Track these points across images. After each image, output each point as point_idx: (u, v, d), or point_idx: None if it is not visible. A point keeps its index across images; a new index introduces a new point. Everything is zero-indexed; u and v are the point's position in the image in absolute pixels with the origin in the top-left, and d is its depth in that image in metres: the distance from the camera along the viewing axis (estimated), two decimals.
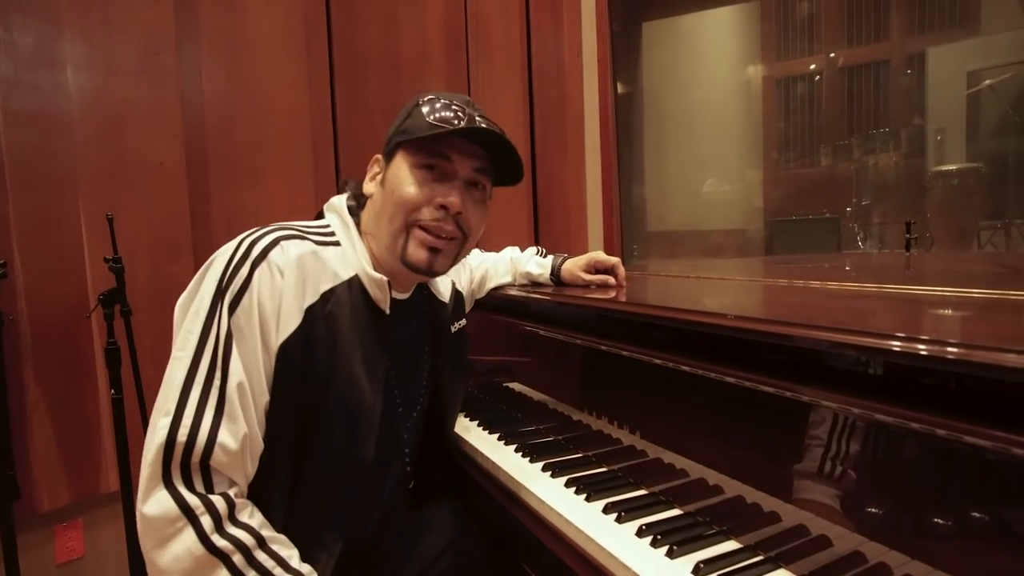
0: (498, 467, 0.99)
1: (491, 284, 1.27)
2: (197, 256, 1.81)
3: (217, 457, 0.70)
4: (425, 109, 0.84)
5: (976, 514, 0.52)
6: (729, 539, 0.73)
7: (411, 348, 0.97)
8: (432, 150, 0.84)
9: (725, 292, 1.22)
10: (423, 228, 0.85)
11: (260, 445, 0.76)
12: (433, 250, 0.85)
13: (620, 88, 3.58)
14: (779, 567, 0.67)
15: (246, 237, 0.79)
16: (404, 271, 0.88)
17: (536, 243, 2.85)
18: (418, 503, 1.07)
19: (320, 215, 0.94)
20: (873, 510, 0.61)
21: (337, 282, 0.83)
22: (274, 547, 0.73)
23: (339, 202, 0.91)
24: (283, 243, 0.79)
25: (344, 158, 2.15)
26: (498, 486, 0.98)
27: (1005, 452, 0.49)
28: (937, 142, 3.81)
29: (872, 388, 0.60)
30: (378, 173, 0.90)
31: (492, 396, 1.39)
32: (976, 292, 0.94)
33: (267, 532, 0.73)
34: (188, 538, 0.67)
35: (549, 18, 2.81)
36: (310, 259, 0.81)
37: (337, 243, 0.86)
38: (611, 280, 1.19)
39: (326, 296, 0.81)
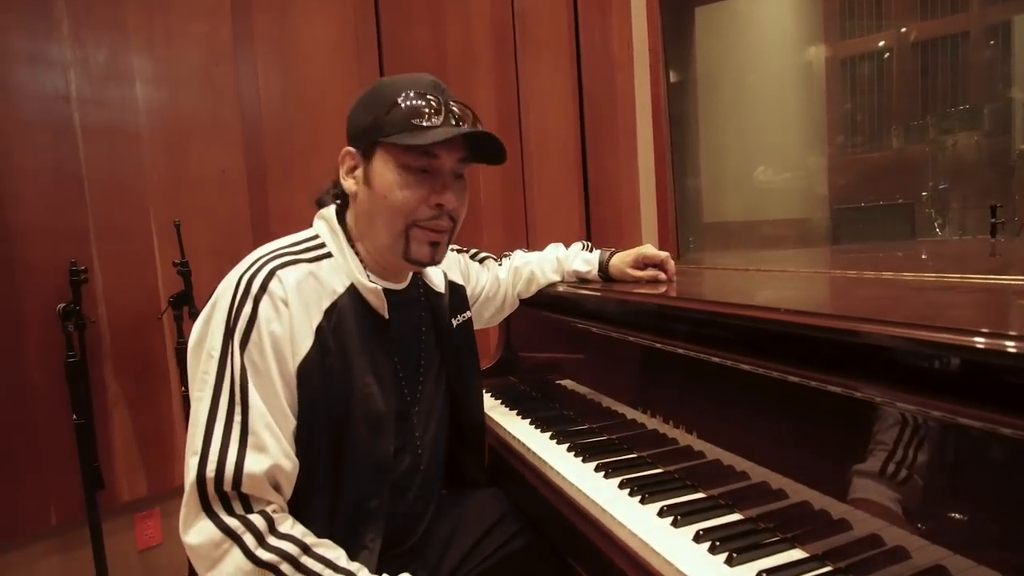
0: (550, 467, 0.98)
1: (539, 284, 1.26)
2: None
3: (246, 484, 0.74)
4: (404, 106, 0.84)
5: None
6: (794, 547, 0.68)
7: (412, 340, 0.99)
8: (419, 151, 0.85)
9: (787, 285, 1.16)
10: (421, 227, 0.87)
11: (294, 466, 0.79)
12: (433, 244, 0.89)
13: (673, 77, 3.48)
14: None
15: (243, 274, 0.81)
16: (405, 265, 0.92)
17: (588, 238, 2.81)
18: (456, 491, 1.09)
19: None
20: (951, 519, 0.56)
21: (336, 296, 0.85)
22: (320, 551, 0.75)
23: (329, 213, 0.92)
24: (279, 273, 0.81)
25: None
26: (550, 485, 0.97)
27: None
28: None
29: (950, 389, 0.55)
30: (355, 168, 0.89)
31: (544, 393, 1.37)
32: None
33: (310, 539, 0.76)
34: (236, 557, 0.71)
35: (597, 10, 2.76)
36: (308, 281, 0.83)
37: (329, 254, 0.88)
38: (661, 275, 1.16)
39: (329, 312, 0.84)
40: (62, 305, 1.54)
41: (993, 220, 2.06)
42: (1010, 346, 0.49)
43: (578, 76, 2.73)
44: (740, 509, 0.77)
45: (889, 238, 3.45)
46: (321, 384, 0.81)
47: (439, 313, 1.03)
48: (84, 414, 1.55)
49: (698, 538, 0.71)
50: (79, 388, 1.54)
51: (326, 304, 0.84)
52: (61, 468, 1.58)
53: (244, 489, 0.73)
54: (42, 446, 1.57)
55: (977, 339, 0.52)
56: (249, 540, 0.72)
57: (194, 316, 1.66)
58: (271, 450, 0.75)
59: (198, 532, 0.72)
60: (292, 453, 0.78)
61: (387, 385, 0.89)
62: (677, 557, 0.67)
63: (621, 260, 1.20)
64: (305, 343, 0.81)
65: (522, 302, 1.30)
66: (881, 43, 4.06)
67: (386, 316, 0.90)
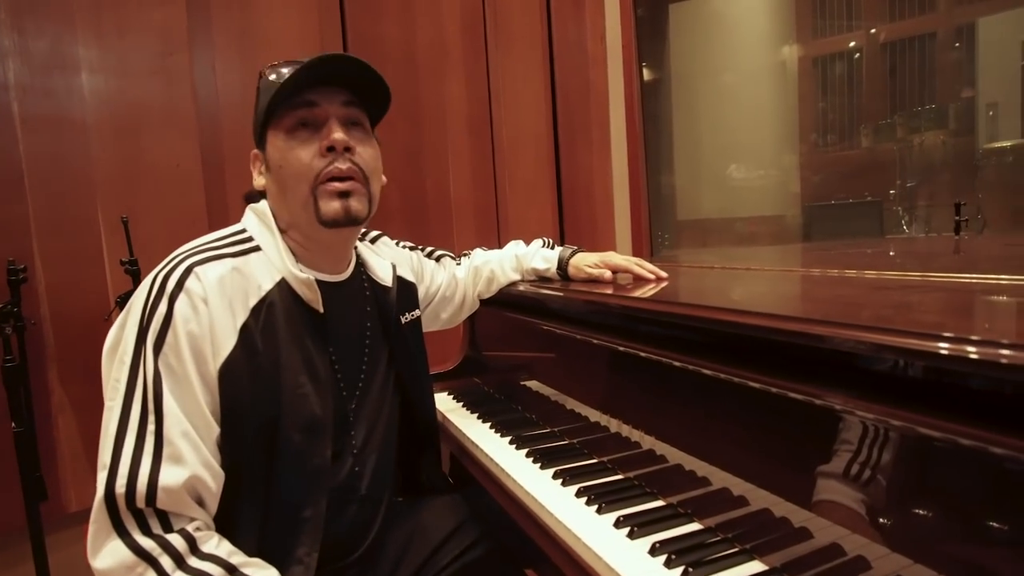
0: (507, 474, 0.94)
1: (499, 283, 1.22)
2: None
3: (162, 500, 0.67)
4: (272, 76, 0.83)
5: None
6: (753, 559, 0.65)
7: (354, 336, 0.93)
8: (295, 104, 0.81)
9: (756, 285, 1.13)
10: (324, 182, 0.82)
11: (218, 476, 0.73)
12: (343, 195, 0.82)
13: (647, 74, 3.47)
14: None
15: (158, 273, 0.76)
16: (329, 236, 0.85)
17: (561, 235, 2.78)
18: (410, 499, 1.05)
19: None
20: (911, 528, 0.53)
21: (264, 292, 0.80)
22: (248, 571, 0.70)
23: (261, 206, 0.88)
24: (197, 270, 0.76)
25: None
26: (506, 493, 0.93)
27: None
28: (989, 118, 3.57)
29: (911, 394, 0.52)
30: (261, 164, 0.88)
31: (508, 395, 1.33)
32: None
33: (238, 559, 0.70)
34: None
35: (571, 3, 2.72)
36: (231, 277, 0.78)
37: (257, 248, 0.83)
38: (607, 275, 1.12)
39: (257, 309, 0.79)
40: None
41: (957, 218, 2.08)
42: (972, 351, 0.47)
43: (551, 71, 2.69)
44: (699, 518, 0.74)
45: (859, 235, 3.49)
46: (248, 386, 0.75)
47: (385, 307, 0.98)
48: (23, 421, 1.47)
49: (654, 551, 0.68)
50: (18, 394, 1.46)
51: (253, 301, 0.79)
52: (0, 479, 1.49)
53: (160, 505, 0.67)
54: None
55: (940, 344, 0.49)
56: (166, 562, 0.65)
57: None
58: (189, 461, 0.69)
59: (109, 554, 0.65)
60: (215, 462, 0.72)
61: (323, 385, 0.83)
62: (630, 571, 0.64)
63: (583, 260, 1.16)
64: (228, 343, 0.75)
65: (482, 302, 1.26)
66: (852, 43, 4.11)
67: (320, 310, 0.84)
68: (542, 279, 1.20)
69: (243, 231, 0.86)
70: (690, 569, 0.63)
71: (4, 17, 1.51)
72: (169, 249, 1.80)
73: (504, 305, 1.25)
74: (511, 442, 1.06)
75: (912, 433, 0.52)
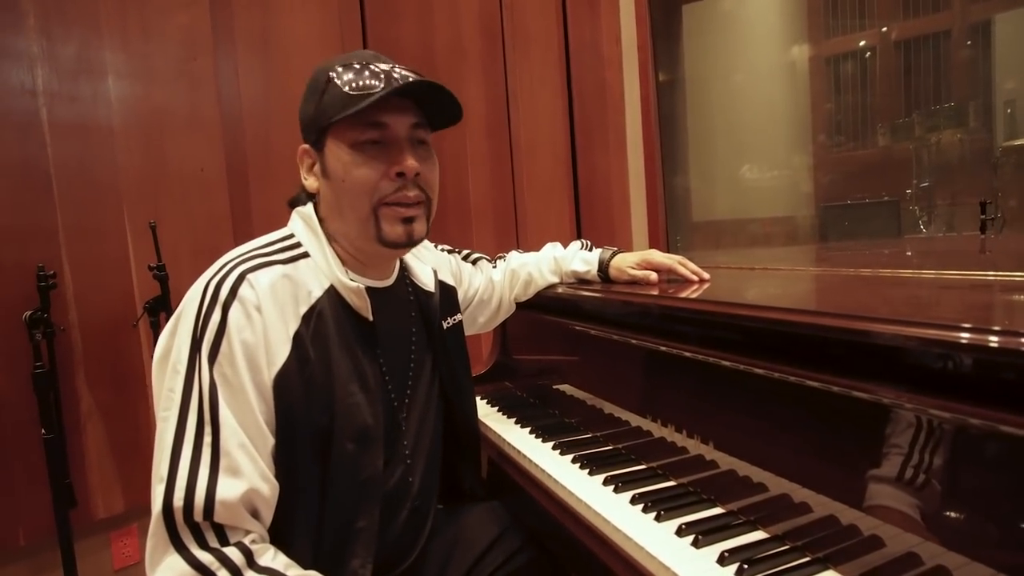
0: (557, 482, 0.92)
1: (537, 286, 1.20)
2: None
3: (219, 513, 0.66)
4: (339, 82, 0.78)
5: None
6: (828, 569, 0.64)
7: (401, 342, 0.92)
8: (366, 122, 0.79)
9: (788, 284, 1.12)
10: (389, 204, 0.80)
11: (274, 488, 0.72)
12: (407, 220, 0.82)
13: (661, 75, 3.45)
14: None
15: (210, 280, 0.74)
16: (384, 252, 0.85)
17: (579, 236, 2.77)
18: (453, 506, 1.03)
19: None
20: (958, 520, 0.52)
21: (315, 299, 0.79)
22: None
23: (306, 210, 0.86)
24: (249, 277, 0.74)
25: None
26: (556, 501, 0.92)
27: None
28: (1007, 115, 3.54)
29: (983, 392, 0.51)
30: (313, 164, 0.85)
31: (542, 400, 1.32)
32: None
33: (294, 571, 0.69)
34: None
35: (586, 5, 2.71)
36: (283, 284, 0.77)
37: (305, 254, 0.82)
38: (653, 276, 1.10)
39: (307, 317, 0.78)
40: (29, 312, 1.45)
41: (983, 216, 2.06)
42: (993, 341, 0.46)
43: (567, 72, 2.69)
44: (764, 526, 0.73)
45: (876, 235, 3.46)
46: (302, 395, 0.74)
47: (429, 313, 0.97)
48: (53, 428, 1.46)
49: (723, 560, 0.66)
50: (48, 400, 1.46)
51: (304, 308, 0.78)
52: (30, 485, 1.49)
53: (218, 519, 0.66)
54: (9, 463, 1.47)
55: (993, 338, 0.48)
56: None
57: None
58: (246, 473, 0.68)
59: (167, 569, 0.65)
60: (271, 474, 0.71)
61: (373, 393, 0.82)
62: None
63: (623, 261, 1.15)
64: (282, 352, 0.74)
65: (518, 304, 1.25)
66: (863, 42, 4.08)
67: (370, 318, 0.83)
68: (582, 282, 1.19)
69: (291, 236, 0.85)
70: None
71: (33, 23, 1.51)
72: (195, 254, 1.80)
73: (539, 308, 1.24)
74: (554, 447, 1.04)
75: (972, 429, 0.51)
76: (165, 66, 1.71)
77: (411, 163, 0.79)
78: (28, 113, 1.51)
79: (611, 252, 1.17)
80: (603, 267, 1.16)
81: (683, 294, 0.97)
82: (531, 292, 1.21)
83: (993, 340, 0.50)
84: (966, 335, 0.52)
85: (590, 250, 1.22)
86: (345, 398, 0.79)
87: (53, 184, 1.54)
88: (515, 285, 1.21)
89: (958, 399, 0.53)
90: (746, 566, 0.64)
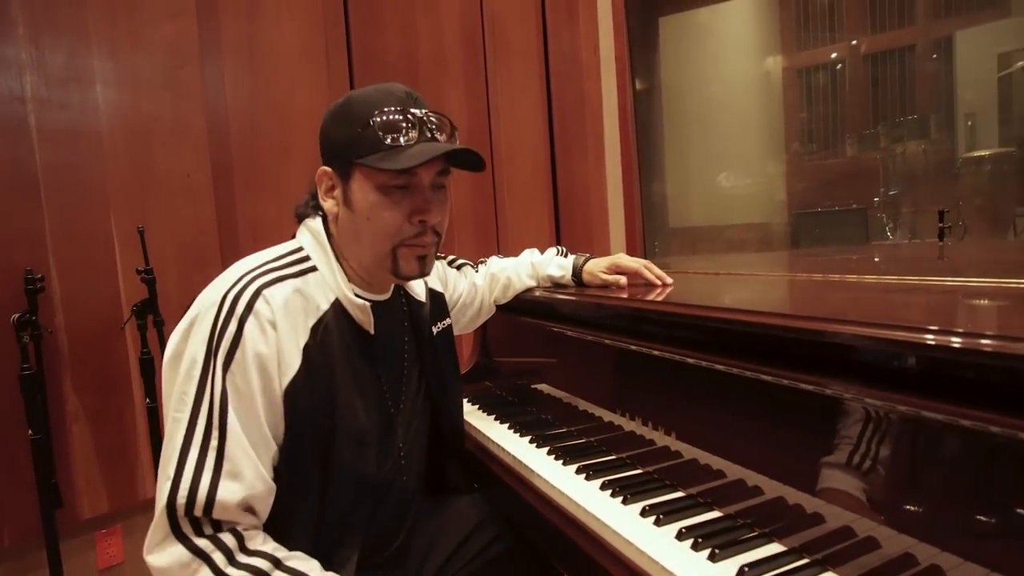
0: (532, 471, 0.99)
1: (515, 290, 1.27)
2: (225, 265, 1.81)
3: (218, 511, 0.72)
4: (377, 125, 0.82)
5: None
6: (772, 542, 0.71)
7: (395, 351, 0.98)
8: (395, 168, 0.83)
9: (757, 289, 1.20)
10: (407, 245, 0.86)
11: (270, 489, 0.77)
12: (421, 258, 0.88)
13: (638, 85, 3.55)
14: (826, 570, 0.65)
15: (228, 291, 0.78)
16: (392, 279, 0.93)
17: (558, 243, 2.84)
18: (436, 499, 1.09)
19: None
20: (916, 509, 0.59)
21: (322, 312, 0.84)
22: (292, 564, 0.74)
23: (316, 225, 0.90)
24: (265, 292, 0.79)
25: None
26: (531, 489, 0.98)
27: None
28: (968, 127, 3.70)
29: (917, 384, 0.58)
30: (333, 188, 0.87)
31: (520, 398, 1.38)
32: (1014, 282, 0.90)
33: (282, 553, 0.75)
34: None
35: (565, 17, 2.80)
36: (295, 299, 0.82)
37: (314, 267, 0.86)
38: (623, 280, 1.17)
39: (315, 329, 0.83)
40: (16, 315, 1.47)
41: (941, 224, 2.17)
42: (956, 342, 0.53)
43: (547, 82, 2.76)
44: (719, 506, 0.80)
45: (845, 242, 3.58)
46: (308, 403, 0.80)
47: (420, 322, 1.03)
48: (40, 429, 1.49)
49: (680, 536, 0.73)
50: (35, 402, 1.48)
51: (311, 321, 0.83)
52: (15, 486, 1.51)
53: (216, 516, 0.72)
54: None
55: (953, 338, 0.55)
56: (219, 558, 0.70)
57: (159, 325, 1.61)
58: (247, 477, 0.74)
59: (166, 554, 0.71)
60: (269, 478, 0.77)
61: (370, 399, 0.89)
62: (661, 555, 0.69)
63: (595, 266, 1.22)
64: (293, 364, 0.79)
65: (498, 307, 1.31)
66: (834, 54, 4.23)
67: (372, 332, 0.89)
68: (557, 286, 1.25)
69: (300, 249, 0.89)
70: (716, 551, 0.68)
71: (23, 32, 1.54)
72: (181, 259, 1.83)
73: (517, 311, 1.30)
74: (531, 441, 1.10)
75: (907, 417, 0.58)
76: (153, 74, 1.75)
77: (433, 214, 0.85)
78: (16, 119, 1.54)
79: (584, 258, 1.24)
80: (577, 272, 1.23)
81: (650, 297, 1.04)
82: (510, 295, 1.27)
83: (929, 339, 0.56)
84: (902, 334, 0.59)
85: (565, 256, 1.29)
86: (346, 405, 0.84)
87: (41, 189, 1.57)
88: (495, 288, 1.28)
89: (894, 392, 0.59)
90: (700, 540, 0.71)
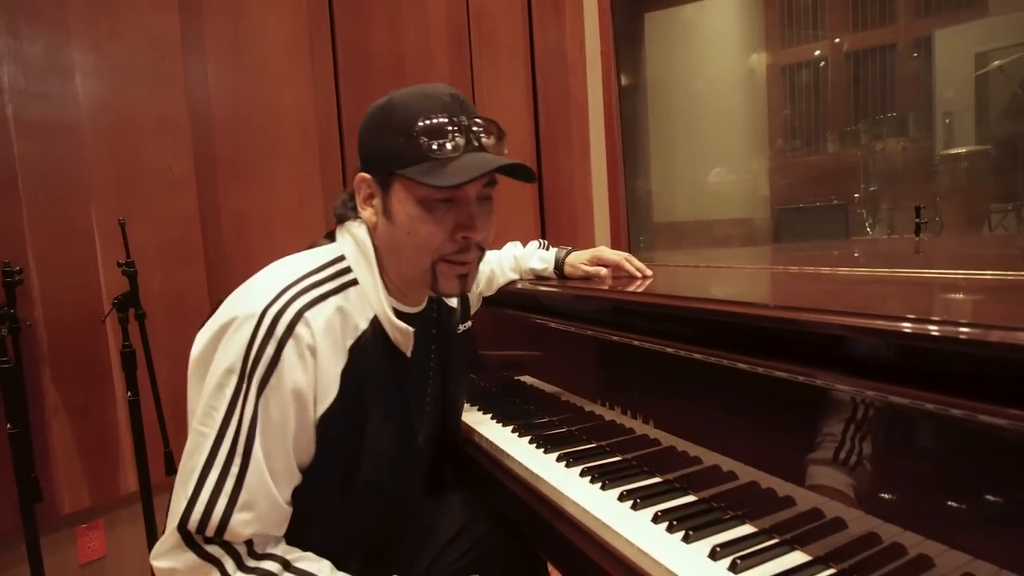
0: (513, 459, 1.00)
1: (498, 283, 1.28)
2: (208, 259, 1.83)
3: (229, 536, 0.72)
4: (421, 135, 0.76)
5: (991, 494, 0.52)
6: (744, 523, 0.73)
7: (423, 367, 0.97)
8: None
9: (736, 281, 1.22)
10: (448, 261, 0.82)
11: (286, 517, 0.76)
12: (462, 276, 0.85)
13: (624, 81, 3.57)
14: (794, 549, 0.67)
15: (268, 307, 0.74)
16: (430, 294, 0.90)
17: (543, 238, 2.85)
18: (429, 497, 1.09)
19: (331, 234, 0.90)
20: (885, 492, 0.61)
21: (360, 332, 0.81)
22: (301, 565, 0.74)
23: (360, 233, 0.85)
24: (307, 315, 0.75)
25: (350, 159, 2.15)
26: (514, 477, 0.99)
27: (1021, 431, 0.49)
28: (946, 125, 3.77)
29: (885, 371, 0.60)
30: (372, 197, 0.83)
31: (505, 390, 1.40)
32: (989, 274, 0.93)
33: (292, 555, 0.75)
34: None
35: (551, 12, 2.81)
36: (336, 319, 0.78)
37: (355, 281, 0.83)
38: (603, 272, 1.19)
39: (353, 350, 0.80)
40: None
41: (917, 220, 2.22)
42: (933, 330, 0.55)
43: (532, 78, 2.77)
44: (694, 491, 0.82)
45: (826, 237, 3.64)
46: (339, 432, 0.78)
47: (448, 330, 1.02)
48: (19, 423, 1.47)
49: (656, 519, 0.75)
50: (14, 395, 1.47)
51: (350, 341, 0.80)
52: None
53: (227, 538, 0.72)
54: None
55: (910, 326, 0.57)
56: (229, 564, 0.71)
57: (141, 319, 1.60)
58: (262, 510, 0.72)
59: (176, 559, 0.71)
60: (286, 503, 0.76)
61: (395, 419, 0.88)
62: (638, 537, 0.71)
63: (577, 259, 1.23)
64: (331, 392, 0.77)
65: (483, 300, 1.32)
66: (817, 52, 4.29)
67: (408, 355, 0.87)
68: (539, 278, 1.27)
69: (341, 258, 0.84)
70: (690, 533, 0.70)
71: (0, 21, 1.51)
72: (163, 251, 1.81)
73: (501, 304, 1.31)
74: (513, 430, 1.12)
75: (878, 403, 0.60)
76: (134, 66, 1.73)
77: (478, 230, 0.80)
78: None
79: (566, 251, 1.26)
80: (559, 264, 1.25)
81: (630, 288, 1.06)
82: (494, 288, 1.28)
83: (905, 327, 0.57)
84: (876, 323, 0.60)
85: (547, 249, 1.30)
86: (375, 429, 0.83)
87: (19, 181, 1.55)
88: (480, 281, 1.29)
89: (866, 379, 0.61)
90: (675, 522, 0.73)
